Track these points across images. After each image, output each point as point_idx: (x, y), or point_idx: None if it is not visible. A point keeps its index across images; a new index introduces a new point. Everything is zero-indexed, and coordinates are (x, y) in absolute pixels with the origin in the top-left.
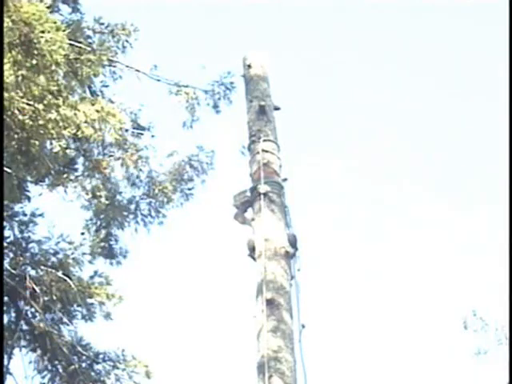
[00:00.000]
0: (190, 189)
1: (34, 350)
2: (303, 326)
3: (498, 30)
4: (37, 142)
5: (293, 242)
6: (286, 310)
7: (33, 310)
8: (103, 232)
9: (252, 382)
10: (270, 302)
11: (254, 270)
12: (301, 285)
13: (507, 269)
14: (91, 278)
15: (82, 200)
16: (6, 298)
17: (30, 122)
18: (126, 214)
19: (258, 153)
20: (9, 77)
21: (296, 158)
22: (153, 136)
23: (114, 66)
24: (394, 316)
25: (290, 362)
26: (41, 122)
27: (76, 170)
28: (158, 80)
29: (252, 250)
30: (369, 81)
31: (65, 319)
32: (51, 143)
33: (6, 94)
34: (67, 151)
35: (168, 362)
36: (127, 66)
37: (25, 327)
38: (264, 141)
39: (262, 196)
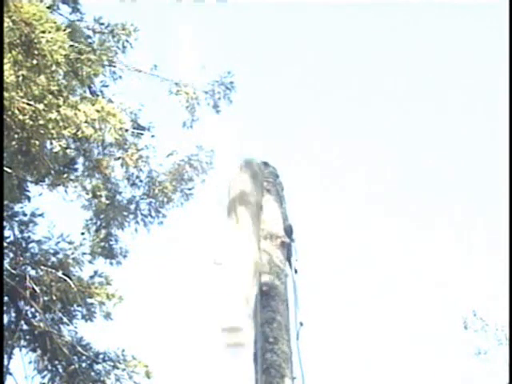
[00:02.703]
0: (189, 189)
1: (34, 350)
2: (301, 324)
3: (498, 32)
4: (37, 142)
5: (289, 232)
6: (282, 300)
7: (33, 309)
8: (103, 232)
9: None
10: (265, 293)
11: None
12: (298, 278)
13: (507, 269)
14: (91, 277)
15: (82, 200)
16: (6, 298)
17: (31, 122)
18: (126, 213)
19: None
20: (9, 77)
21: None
22: (153, 136)
23: (114, 66)
24: (395, 316)
25: (286, 354)
26: (41, 122)
27: (76, 169)
28: (158, 79)
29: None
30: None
31: (65, 319)
32: (51, 143)
33: (6, 94)
34: (67, 151)
35: (168, 362)
36: (127, 66)
37: (25, 327)
38: None
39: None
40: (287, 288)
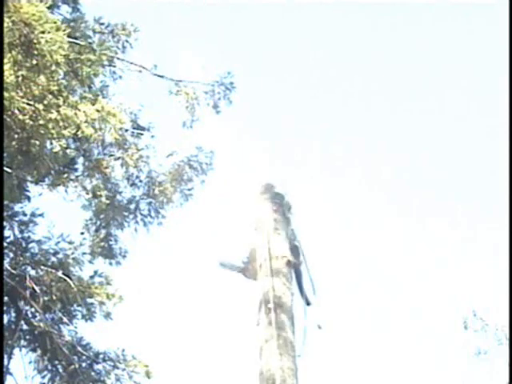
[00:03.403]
0: (189, 189)
1: (34, 350)
2: (308, 304)
3: (498, 32)
4: (37, 142)
5: (295, 251)
6: (288, 317)
7: (33, 309)
8: (103, 232)
9: None
10: (271, 311)
11: (256, 279)
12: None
13: (507, 269)
14: (91, 277)
15: (82, 200)
16: (6, 298)
17: (31, 122)
18: (125, 214)
19: None
20: (9, 77)
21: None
22: (153, 136)
23: (114, 66)
24: (395, 316)
25: (291, 370)
26: (41, 122)
27: (76, 169)
28: (158, 79)
29: (254, 259)
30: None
31: (65, 319)
32: (51, 143)
33: (6, 94)
34: (67, 151)
35: (168, 362)
36: (127, 66)
37: (25, 327)
38: None
39: (264, 206)
40: (293, 305)
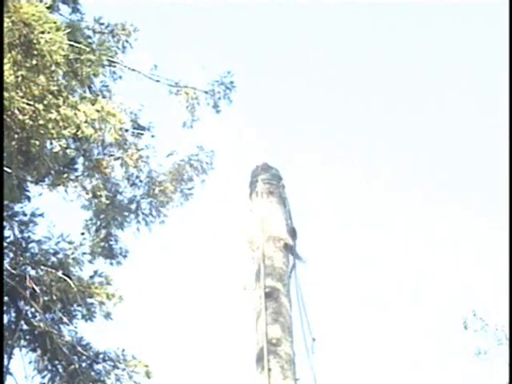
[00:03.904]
0: (189, 189)
1: (34, 350)
2: (314, 340)
3: (498, 31)
4: (37, 142)
5: (292, 233)
6: (285, 302)
7: (33, 309)
8: (103, 232)
9: (251, 375)
10: (268, 295)
11: (253, 262)
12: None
13: (507, 269)
14: (91, 277)
15: (82, 200)
16: (6, 298)
17: (30, 122)
18: (126, 213)
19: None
20: (9, 77)
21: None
22: (153, 136)
23: (114, 66)
24: (395, 316)
25: (289, 356)
26: (41, 122)
27: (76, 169)
28: (158, 80)
29: (251, 242)
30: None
31: (65, 319)
32: (51, 143)
33: (6, 94)
34: (67, 151)
35: (168, 362)
36: (127, 66)
37: (25, 327)
38: None
39: (260, 187)
40: (290, 290)
